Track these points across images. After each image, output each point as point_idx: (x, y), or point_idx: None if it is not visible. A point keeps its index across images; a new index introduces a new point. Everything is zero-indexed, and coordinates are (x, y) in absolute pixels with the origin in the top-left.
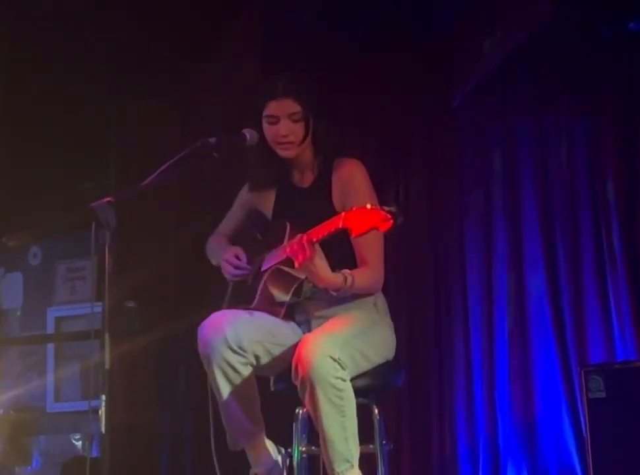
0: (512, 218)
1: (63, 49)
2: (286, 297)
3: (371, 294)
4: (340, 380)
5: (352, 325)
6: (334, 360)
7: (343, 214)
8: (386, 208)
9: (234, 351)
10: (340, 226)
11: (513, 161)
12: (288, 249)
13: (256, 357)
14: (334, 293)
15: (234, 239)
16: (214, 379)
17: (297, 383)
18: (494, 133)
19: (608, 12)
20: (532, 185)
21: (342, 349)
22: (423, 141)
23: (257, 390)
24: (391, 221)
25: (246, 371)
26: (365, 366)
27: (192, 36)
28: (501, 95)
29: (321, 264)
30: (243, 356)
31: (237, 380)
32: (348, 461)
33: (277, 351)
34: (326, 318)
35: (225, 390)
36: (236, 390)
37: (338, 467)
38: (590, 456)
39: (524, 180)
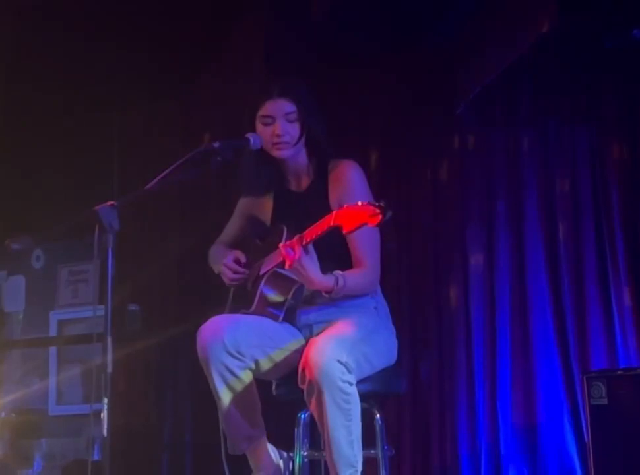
0: (515, 225)
1: (66, 52)
2: (285, 299)
3: (365, 294)
4: (347, 384)
5: (358, 329)
6: (342, 363)
7: (334, 212)
8: (375, 203)
9: (232, 356)
10: (332, 224)
11: (516, 169)
12: (281, 251)
13: (256, 362)
14: (326, 295)
15: (234, 247)
16: (213, 383)
17: (304, 386)
18: (497, 140)
19: (611, 20)
20: (534, 193)
21: (349, 353)
22: (426, 148)
23: (257, 394)
24: (380, 216)
25: (245, 375)
26: (368, 371)
27: (195, 41)
28: (504, 102)
29: (309, 265)
30: (242, 361)
31: (236, 384)
32: (352, 466)
33: (277, 355)
34: (327, 322)
35: (224, 394)
36: (235, 395)
37: (344, 472)
38: (592, 462)
39: (527, 188)
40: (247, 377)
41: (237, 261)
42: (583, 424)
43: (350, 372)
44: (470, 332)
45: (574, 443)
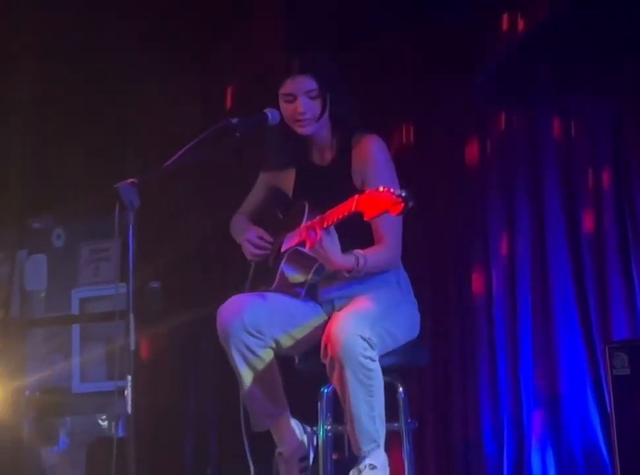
0: (535, 195)
1: (83, 30)
2: (306, 278)
3: (386, 271)
4: (369, 360)
5: (379, 304)
6: (364, 339)
7: (356, 196)
8: (397, 192)
9: (252, 335)
10: (353, 209)
11: (535, 139)
12: (302, 232)
13: (276, 340)
14: (347, 274)
15: (256, 219)
16: (234, 362)
17: (326, 362)
18: (515, 112)
19: None
20: (554, 163)
21: (372, 329)
22: (444, 121)
23: (278, 371)
24: (402, 205)
25: (265, 354)
26: (392, 345)
27: (213, 16)
28: (522, 74)
29: (331, 247)
30: (262, 340)
31: (257, 363)
32: (374, 441)
33: (298, 332)
34: (350, 297)
35: (245, 373)
36: (256, 373)
37: (365, 446)
38: (615, 432)
39: (547, 157)
40: (267, 355)
41: (260, 237)
42: (606, 395)
43: (372, 348)
44: (490, 304)
45: (597, 414)
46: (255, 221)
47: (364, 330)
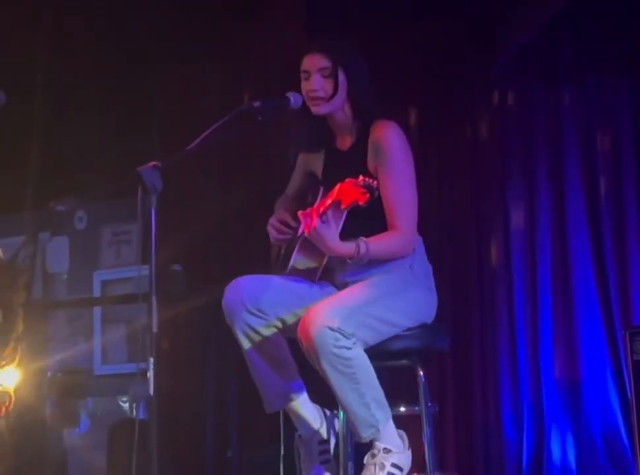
0: (556, 180)
1: (107, 13)
2: (320, 262)
3: (400, 258)
4: (343, 350)
5: (368, 291)
6: (333, 330)
7: (338, 185)
8: (362, 183)
9: (253, 314)
10: (335, 198)
11: (556, 124)
12: (300, 219)
13: (281, 320)
14: (349, 261)
15: (298, 200)
16: (239, 341)
17: (305, 354)
18: (536, 98)
19: None
20: (575, 146)
21: (346, 319)
22: (465, 107)
23: (288, 351)
24: (367, 195)
25: (269, 332)
26: (390, 331)
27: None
28: (543, 59)
29: (326, 233)
30: (264, 319)
31: (261, 342)
32: (372, 426)
33: (304, 312)
34: (362, 281)
35: (250, 352)
36: (262, 352)
37: (364, 433)
38: (635, 417)
39: (568, 141)
40: (271, 334)
41: (282, 221)
42: (626, 379)
43: (346, 337)
44: (511, 288)
45: (617, 399)
46: (295, 204)
47: (333, 321)
